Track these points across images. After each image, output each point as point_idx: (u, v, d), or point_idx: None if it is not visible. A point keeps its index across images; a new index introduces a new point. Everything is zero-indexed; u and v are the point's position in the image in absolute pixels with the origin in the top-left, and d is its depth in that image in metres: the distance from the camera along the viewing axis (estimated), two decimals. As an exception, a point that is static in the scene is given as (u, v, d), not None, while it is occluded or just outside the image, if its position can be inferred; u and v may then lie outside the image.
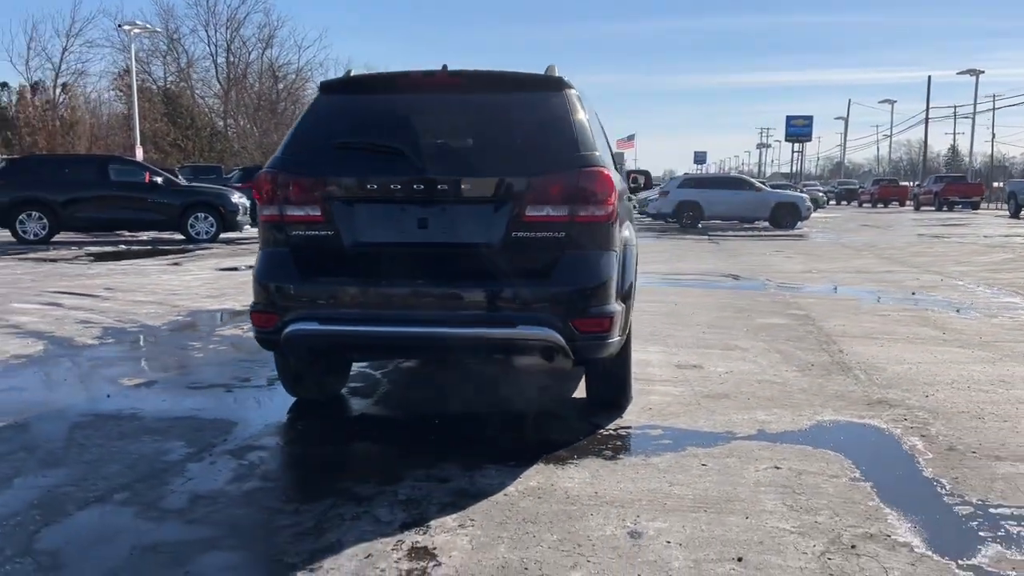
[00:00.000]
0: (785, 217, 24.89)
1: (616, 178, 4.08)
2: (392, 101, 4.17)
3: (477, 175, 3.84)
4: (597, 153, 3.96)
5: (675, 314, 7.99)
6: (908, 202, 48.68)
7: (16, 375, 5.33)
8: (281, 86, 53.64)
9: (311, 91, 57.73)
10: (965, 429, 4.24)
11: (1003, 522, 3.09)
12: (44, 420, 4.32)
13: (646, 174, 6.56)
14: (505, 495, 3.32)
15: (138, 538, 2.90)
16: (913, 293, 9.69)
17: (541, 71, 4.25)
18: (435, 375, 5.45)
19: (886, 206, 49.56)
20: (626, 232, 4.38)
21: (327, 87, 4.34)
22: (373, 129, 4.01)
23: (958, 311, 8.29)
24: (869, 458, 3.85)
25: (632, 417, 4.40)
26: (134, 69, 35.86)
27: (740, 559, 2.77)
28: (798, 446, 3.96)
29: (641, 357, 5.87)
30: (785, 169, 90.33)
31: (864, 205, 51.59)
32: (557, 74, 4.21)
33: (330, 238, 3.92)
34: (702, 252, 16.21)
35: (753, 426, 4.27)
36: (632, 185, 6.48)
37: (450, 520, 3.07)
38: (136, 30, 35.18)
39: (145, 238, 17.95)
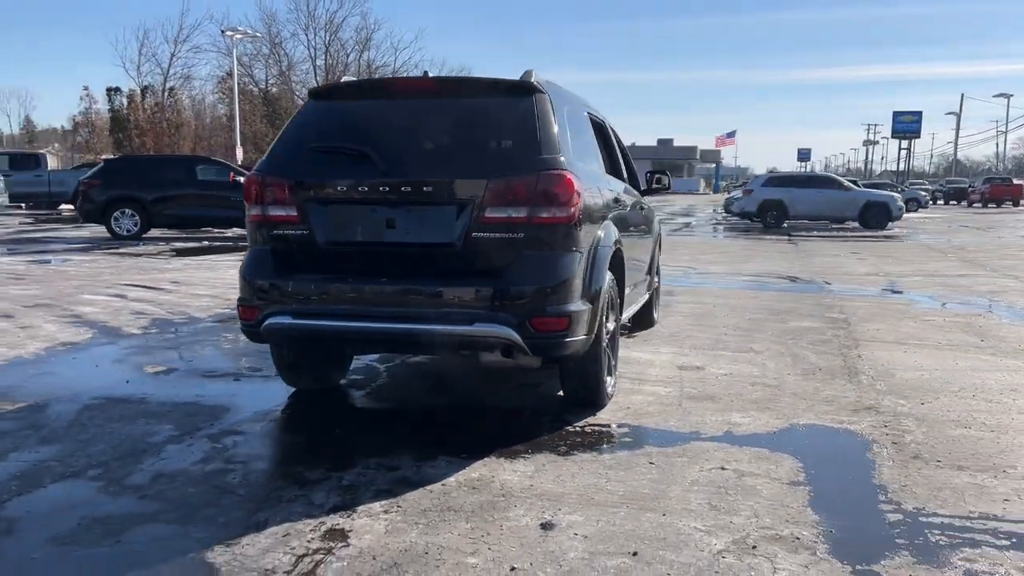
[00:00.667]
0: (875, 217, 24.09)
1: (583, 180, 4.15)
2: (370, 107, 4.37)
3: (439, 177, 3.99)
4: (560, 156, 4.05)
5: (707, 315, 7.95)
6: (1023, 202, 46.27)
7: (55, 361, 5.78)
8: (378, 87, 54.86)
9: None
10: (943, 438, 4.16)
11: (927, 531, 3.06)
12: (61, 402, 4.69)
13: (666, 174, 6.60)
14: (443, 485, 3.46)
15: (91, 510, 3.18)
16: (981, 299, 9.33)
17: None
18: (436, 369, 5.63)
19: (998, 206, 47.12)
20: (601, 232, 4.44)
21: (315, 93, 4.57)
22: (347, 134, 4.21)
23: (1012, 319, 7.96)
24: (824, 463, 3.83)
25: (606, 415, 4.47)
26: (235, 73, 37.47)
27: (635, 553, 2.84)
28: (756, 448, 3.97)
29: (647, 357, 5.93)
30: (894, 167, 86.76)
31: (974, 205, 49.19)
32: (533, 79, 4.32)
33: (305, 237, 4.15)
34: (774, 253, 15.90)
35: (722, 428, 4.29)
36: (656, 186, 6.54)
37: (377, 506, 3.23)
38: (238, 35, 36.66)
39: (230, 234, 18.80)
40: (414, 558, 2.81)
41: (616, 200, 5.03)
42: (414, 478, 3.54)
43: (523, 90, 4.23)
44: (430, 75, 4.54)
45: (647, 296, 6.82)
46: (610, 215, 4.77)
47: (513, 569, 2.73)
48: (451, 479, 3.52)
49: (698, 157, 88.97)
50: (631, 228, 5.66)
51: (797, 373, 5.53)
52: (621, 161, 5.92)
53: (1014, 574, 2.74)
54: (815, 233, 23.00)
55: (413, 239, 4.05)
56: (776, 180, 27.02)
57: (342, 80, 4.59)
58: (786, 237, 20.93)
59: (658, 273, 7.50)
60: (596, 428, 4.27)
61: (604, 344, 4.41)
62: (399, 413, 4.73)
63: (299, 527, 3.04)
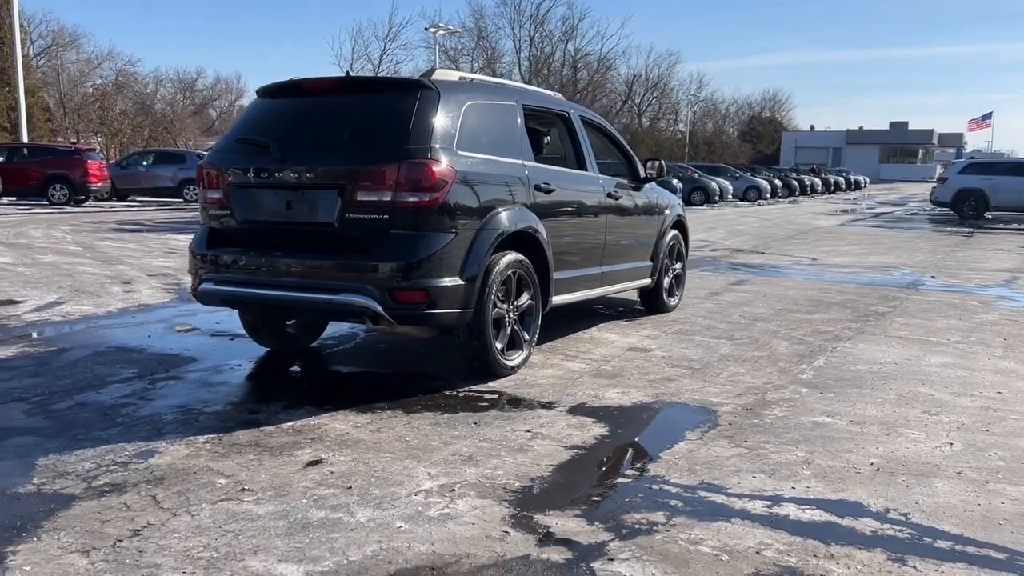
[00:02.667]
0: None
1: (468, 169, 4.60)
2: (286, 104, 5.03)
3: (321, 165, 4.60)
4: (431, 146, 4.51)
5: (737, 304, 7.97)
6: None
7: (117, 318, 6.98)
8: (583, 75, 55.76)
9: (615, 80, 59.27)
10: (790, 424, 4.22)
11: (658, 496, 3.29)
12: (81, 348, 5.78)
13: (658, 161, 6.80)
14: (275, 427, 4.07)
15: None
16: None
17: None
18: (401, 343, 6.23)
19: None
20: (498, 216, 4.81)
21: (259, 91, 5.31)
22: (263, 127, 4.91)
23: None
24: (632, 434, 4.06)
25: (496, 384, 4.88)
26: (437, 67, 39.58)
27: (350, 487, 3.32)
28: (586, 418, 4.25)
29: (612, 338, 6.21)
30: None
31: None
32: (432, 76, 4.82)
33: (230, 216, 4.91)
34: (926, 246, 14.94)
35: (583, 400, 4.58)
36: (649, 174, 6.77)
37: (203, 438, 3.91)
38: (441, 31, 38.73)
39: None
40: (182, 473, 3.46)
41: (543, 189, 5.35)
42: (261, 420, 4.19)
43: (411, 87, 4.74)
44: (351, 75, 5.16)
45: (645, 281, 7.02)
46: (525, 202, 5.13)
47: (243, 489, 3.31)
48: (288, 424, 4.13)
49: (935, 141, 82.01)
50: (586, 215, 5.97)
51: (739, 359, 5.60)
52: (587, 154, 6.18)
53: (705, 540, 2.95)
54: (1014, 225, 21.00)
55: (304, 219, 4.68)
56: (975, 167, 24.86)
57: (293, 79, 5.29)
58: (968, 230, 19.35)
59: (679, 259, 7.63)
60: (469, 394, 4.71)
61: (489, 319, 4.81)
62: (328, 374, 5.40)
63: (127, 447, 3.78)
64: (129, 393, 4.66)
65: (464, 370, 5.07)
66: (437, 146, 4.56)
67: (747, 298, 8.36)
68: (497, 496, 3.24)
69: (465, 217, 4.65)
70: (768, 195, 35.73)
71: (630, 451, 3.84)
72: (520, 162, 5.25)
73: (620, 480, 3.45)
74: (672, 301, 7.54)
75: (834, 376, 5.19)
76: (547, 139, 6.46)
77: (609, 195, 6.29)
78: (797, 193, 40.36)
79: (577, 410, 4.39)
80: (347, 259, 4.50)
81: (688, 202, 29.81)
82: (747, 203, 33.25)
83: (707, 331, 6.60)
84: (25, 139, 28.37)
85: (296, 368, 5.49)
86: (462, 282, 4.59)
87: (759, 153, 75.65)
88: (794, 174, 43.97)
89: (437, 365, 5.43)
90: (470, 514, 3.08)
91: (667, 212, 7.33)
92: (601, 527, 2.99)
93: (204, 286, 4.92)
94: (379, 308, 4.40)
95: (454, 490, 3.30)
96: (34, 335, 6.23)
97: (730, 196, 32.67)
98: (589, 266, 6.06)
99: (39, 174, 23.06)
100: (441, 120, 4.65)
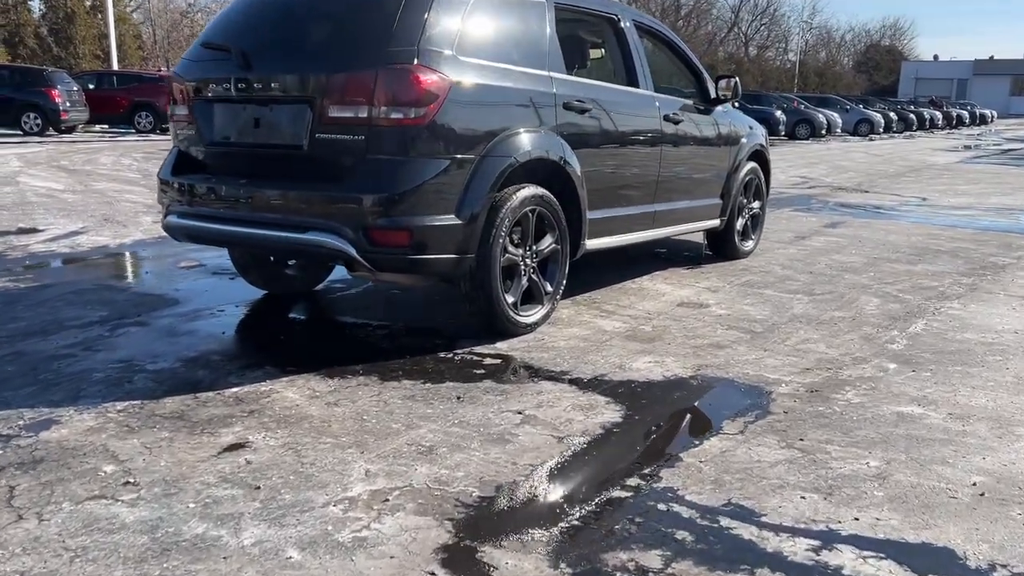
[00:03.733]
0: None
1: (449, 77, 3.67)
2: (261, 3, 4.18)
3: (286, 73, 3.76)
4: (414, 48, 3.61)
5: (824, 252, 6.87)
6: None
7: (127, 249, 6.42)
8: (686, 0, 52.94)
9: (720, 5, 56.15)
10: (856, 417, 3.24)
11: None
12: (66, 285, 5.19)
13: (732, 78, 5.75)
14: (215, 393, 3.33)
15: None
16: None
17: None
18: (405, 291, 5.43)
19: None
20: (508, 141, 3.91)
21: (236, -9, 4.48)
22: (234, 29, 4.08)
23: None
24: (648, 420, 3.15)
25: (503, 346, 4.04)
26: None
27: (258, 487, 2.55)
28: (598, 396, 3.37)
29: (665, 290, 5.27)
30: None
31: None
32: None
33: (196, 137, 4.14)
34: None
35: (603, 371, 3.69)
36: (722, 95, 5.76)
37: (121, 405, 3.20)
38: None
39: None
40: (68, 454, 2.75)
41: (576, 108, 4.39)
42: (204, 383, 3.46)
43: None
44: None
45: (712, 223, 5.99)
46: (550, 124, 4.20)
47: (127, 483, 2.58)
48: (233, 390, 3.39)
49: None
50: (634, 142, 4.97)
51: (814, 320, 4.58)
52: (640, 68, 5.13)
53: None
54: None
55: (272, 140, 3.87)
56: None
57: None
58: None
59: (757, 197, 6.55)
60: (468, 357, 3.87)
61: (496, 267, 3.94)
62: (317, 326, 4.64)
63: (26, 414, 3.09)
64: (77, 342, 4.01)
65: (464, 327, 4.23)
66: (429, 49, 3.65)
67: (839, 243, 7.20)
68: (442, 513, 2.41)
69: (465, 141, 3.75)
70: (881, 129, 33.20)
71: (641, 448, 2.94)
72: (546, 74, 4.28)
73: (616, 494, 2.57)
74: (746, 246, 6.48)
75: (933, 348, 4.12)
76: (590, 49, 5.42)
77: (667, 118, 5.25)
78: (914, 127, 37.48)
79: (591, 385, 3.50)
80: (315, 190, 3.68)
81: (792, 135, 27.87)
82: (857, 137, 30.92)
83: (782, 283, 5.55)
84: (115, 67, 28.54)
85: (285, 317, 4.74)
86: (459, 221, 3.72)
87: (875, 85, 71.04)
88: (912, 107, 40.85)
89: (447, 318, 4.59)
90: (394, 540, 2.26)
91: (743, 141, 6.23)
92: (568, 573, 2.12)
93: (169, 219, 4.20)
94: (352, 251, 3.58)
95: (388, 500, 2.48)
96: (24, 267, 5.69)
97: (839, 130, 30.43)
98: (637, 203, 5.08)
99: (126, 101, 23.10)
100: (437, 16, 3.73)
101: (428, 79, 3.59)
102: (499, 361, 3.82)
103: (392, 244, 3.62)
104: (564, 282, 4.44)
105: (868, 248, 7.00)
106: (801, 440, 2.98)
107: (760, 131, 6.61)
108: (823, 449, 2.90)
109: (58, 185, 10.49)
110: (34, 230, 7.20)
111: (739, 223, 6.34)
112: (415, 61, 3.59)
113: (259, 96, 3.82)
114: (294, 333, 4.45)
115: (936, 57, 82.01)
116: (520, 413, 3.17)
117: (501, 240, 3.92)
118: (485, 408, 3.22)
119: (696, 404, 3.38)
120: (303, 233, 3.67)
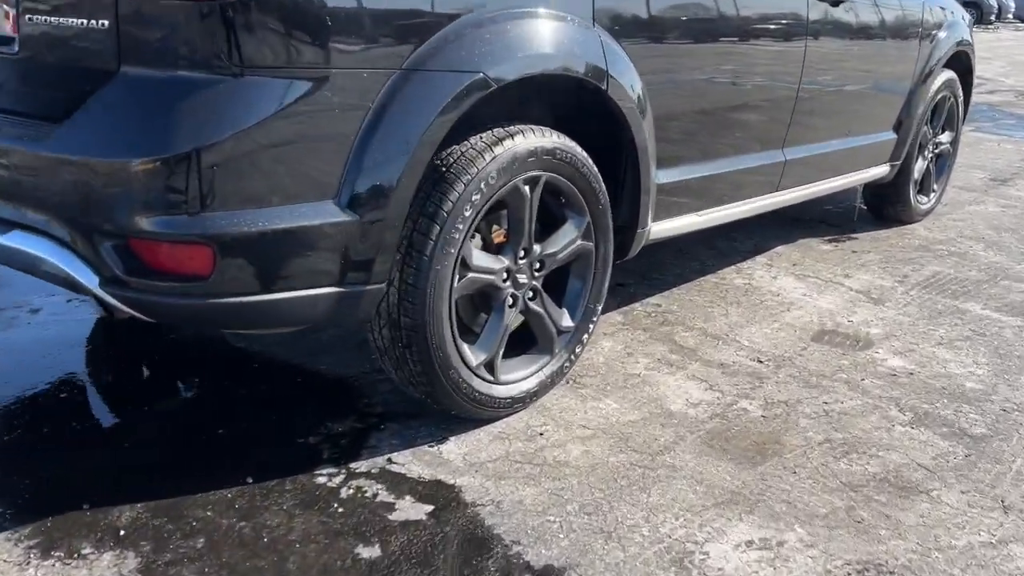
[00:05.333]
0: None
1: None
2: None
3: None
4: None
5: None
6: None
7: None
8: None
9: None
10: None
11: None
12: None
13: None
14: None
15: None
16: None
17: None
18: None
19: None
20: (477, 34, 1.81)
21: None
22: None
23: None
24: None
25: (459, 450, 2.03)
26: None
27: None
28: None
29: (784, 288, 3.10)
30: None
31: None
32: None
33: None
34: None
35: None
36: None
37: None
38: None
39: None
40: None
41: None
42: None
43: None
44: None
45: (878, 171, 3.72)
46: (579, 9, 2.04)
47: None
48: None
49: None
50: (756, 36, 2.74)
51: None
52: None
53: None
54: None
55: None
56: None
57: None
58: None
59: (948, 127, 4.19)
60: (375, 487, 1.87)
61: (445, 300, 1.89)
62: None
63: None
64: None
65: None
66: None
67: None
68: None
69: (361, 31, 1.65)
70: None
71: None
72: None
73: None
74: (924, 203, 4.18)
75: None
76: None
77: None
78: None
79: None
80: (26, 141, 1.67)
81: (952, 22, 23.83)
82: (1031, 25, 26.42)
83: (992, 283, 3.31)
84: None
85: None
86: (345, 217, 1.67)
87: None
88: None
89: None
90: None
91: (939, 36, 3.84)
92: None
93: None
94: (90, 283, 1.60)
95: None
96: None
97: (1010, 15, 26.01)
98: (753, 150, 2.88)
99: None
100: None
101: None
102: (432, 503, 1.81)
103: (177, 272, 1.61)
104: (600, 306, 2.35)
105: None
106: None
107: (962, 17, 4.16)
108: None
109: None
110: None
111: (917, 168, 4.02)
112: None
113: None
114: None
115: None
116: None
117: (453, 245, 1.86)
118: None
119: None
120: (5, 233, 1.70)
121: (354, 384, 2.33)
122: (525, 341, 2.22)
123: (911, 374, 2.52)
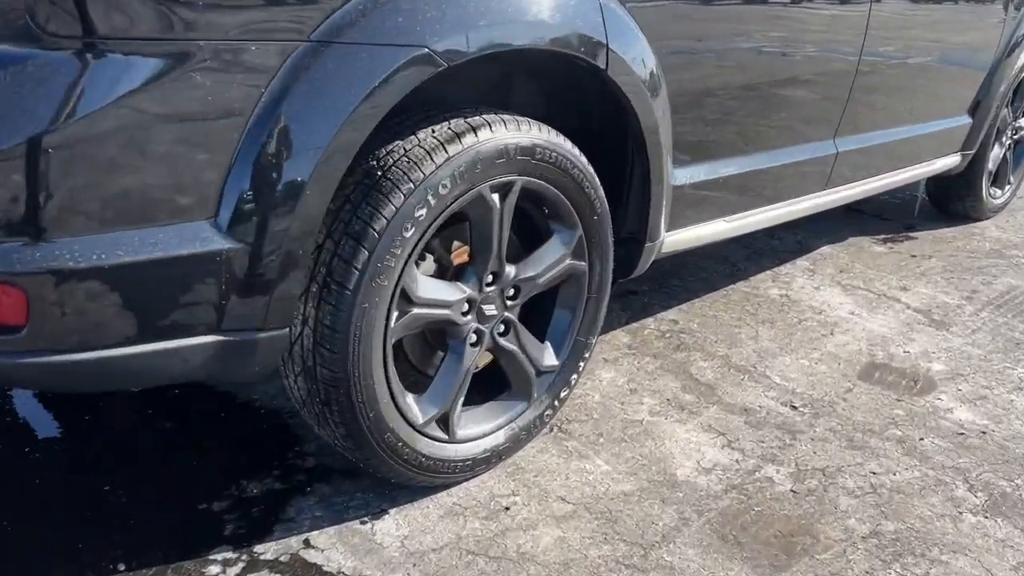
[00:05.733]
0: None
1: None
2: None
3: None
4: None
5: None
6: None
7: None
8: None
9: None
10: None
11: None
12: None
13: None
14: None
15: None
16: None
17: None
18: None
19: None
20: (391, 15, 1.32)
21: None
22: None
23: None
24: None
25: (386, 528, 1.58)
26: None
27: None
28: None
29: (830, 304, 2.60)
30: None
31: None
32: None
33: None
34: None
35: None
36: None
37: None
38: None
39: None
40: None
41: None
42: None
43: None
44: None
45: (948, 162, 3.16)
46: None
47: None
48: None
49: None
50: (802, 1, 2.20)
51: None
52: None
53: None
54: None
55: None
56: None
57: None
58: None
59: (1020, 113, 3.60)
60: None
61: (377, 344, 1.44)
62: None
63: None
64: None
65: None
66: None
67: None
68: None
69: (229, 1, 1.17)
70: None
71: None
72: None
73: None
74: (997, 197, 3.62)
75: None
76: None
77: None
78: None
79: None
80: None
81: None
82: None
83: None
84: None
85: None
86: (225, 244, 1.21)
87: None
88: None
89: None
90: None
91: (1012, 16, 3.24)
92: None
93: None
94: None
95: None
96: None
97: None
98: (797, 141, 2.35)
99: None
100: None
101: None
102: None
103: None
104: (594, 339, 1.87)
105: None
106: None
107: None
108: None
109: None
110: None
111: (992, 156, 3.45)
112: None
113: None
114: None
115: None
116: None
117: (388, 276, 1.41)
118: None
119: None
120: None
121: (287, 423, 1.89)
122: (494, 382, 1.76)
123: (983, 433, 2.01)
